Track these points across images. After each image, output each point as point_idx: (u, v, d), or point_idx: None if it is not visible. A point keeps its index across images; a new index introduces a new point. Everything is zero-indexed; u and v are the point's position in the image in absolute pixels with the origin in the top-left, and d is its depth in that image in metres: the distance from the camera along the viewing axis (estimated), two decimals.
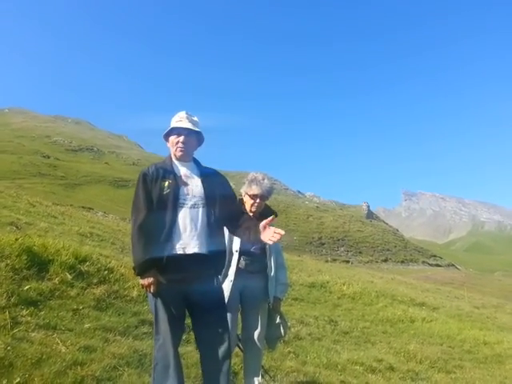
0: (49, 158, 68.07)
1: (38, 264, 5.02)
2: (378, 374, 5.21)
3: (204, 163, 3.17)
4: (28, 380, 2.96)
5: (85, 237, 10.32)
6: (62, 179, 55.70)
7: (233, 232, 3.16)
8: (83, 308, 4.64)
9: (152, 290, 2.78)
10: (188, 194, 2.90)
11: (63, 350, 3.55)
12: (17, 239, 5.31)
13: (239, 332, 3.74)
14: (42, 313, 4.18)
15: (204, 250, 2.83)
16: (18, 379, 2.93)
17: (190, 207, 2.87)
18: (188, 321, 3.06)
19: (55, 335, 3.81)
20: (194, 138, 3.05)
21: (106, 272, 5.79)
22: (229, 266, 3.50)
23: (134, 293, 5.57)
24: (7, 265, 4.65)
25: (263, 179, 3.67)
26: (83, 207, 27.86)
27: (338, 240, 63.81)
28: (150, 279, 2.75)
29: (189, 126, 2.99)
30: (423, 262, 65.11)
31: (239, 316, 3.73)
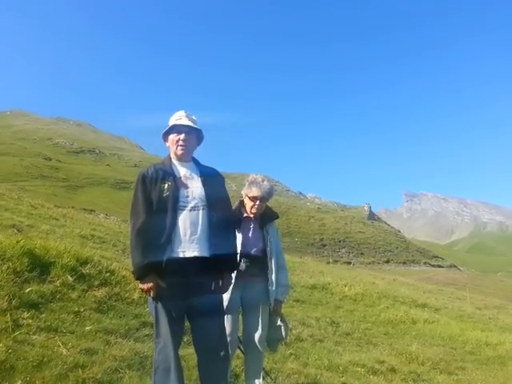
0: (50, 160, 68.10)
1: (40, 266, 5.04)
2: (379, 376, 5.20)
3: (205, 164, 3.14)
4: (29, 383, 2.97)
5: (86, 239, 10.32)
6: (64, 181, 55.72)
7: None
8: (84, 310, 4.65)
9: (152, 295, 2.76)
10: (188, 196, 2.87)
11: (64, 353, 3.55)
12: (18, 242, 5.32)
13: (240, 334, 3.74)
14: (44, 315, 4.19)
15: (204, 254, 2.81)
16: (20, 382, 2.94)
17: (190, 210, 2.84)
18: (187, 323, 3.06)
19: (56, 338, 3.82)
20: (194, 135, 3.03)
21: (108, 274, 5.80)
22: (236, 267, 3.49)
23: (135, 295, 5.58)
24: (9, 267, 4.66)
25: (263, 181, 3.67)
26: (85, 209, 27.87)
27: (340, 241, 63.70)
28: (150, 284, 2.73)
29: (189, 123, 2.97)
30: (425, 263, 64.95)
31: (240, 318, 3.73)
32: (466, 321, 12.61)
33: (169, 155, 3.06)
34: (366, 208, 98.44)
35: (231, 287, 3.45)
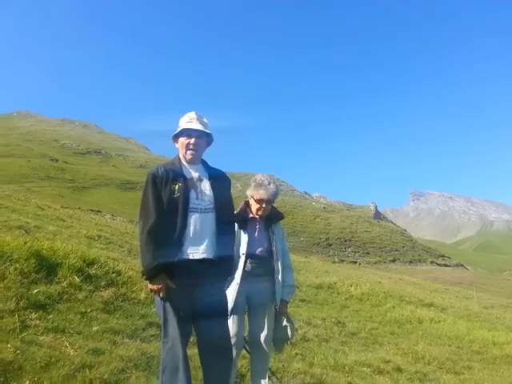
0: (57, 161, 68.42)
1: (47, 267, 5.07)
2: (385, 376, 5.20)
3: (210, 164, 3.13)
4: (37, 383, 2.99)
5: (93, 240, 10.37)
6: (71, 182, 55.95)
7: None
8: (91, 311, 4.68)
9: (162, 295, 2.77)
10: (198, 198, 2.88)
11: (72, 353, 3.58)
12: (25, 243, 5.36)
13: (246, 334, 3.75)
14: (51, 316, 4.22)
15: (213, 255, 2.83)
16: (28, 382, 2.96)
17: (200, 211, 2.85)
18: None
19: (64, 338, 3.84)
20: (204, 139, 3.02)
21: (114, 275, 5.83)
22: (235, 269, 3.50)
23: (142, 295, 5.61)
24: (16, 268, 4.69)
25: (269, 184, 3.66)
26: (91, 210, 27.96)
27: (346, 241, 63.51)
28: (160, 284, 2.74)
29: (199, 127, 2.95)
30: (431, 262, 64.64)
31: (246, 318, 3.74)
32: (473, 320, 12.56)
33: (178, 156, 3.05)
34: (372, 207, 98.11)
35: (237, 288, 3.47)
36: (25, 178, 50.17)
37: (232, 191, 3.23)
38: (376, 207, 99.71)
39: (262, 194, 3.61)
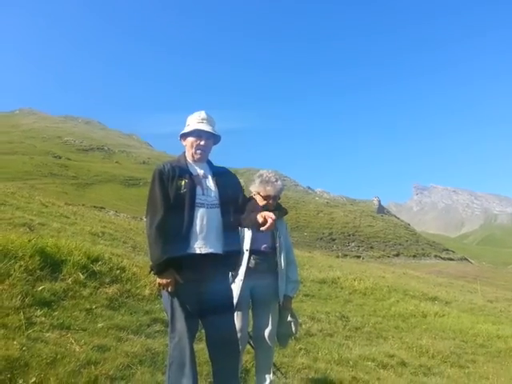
0: (60, 158, 68.61)
1: (51, 265, 5.08)
2: (389, 370, 5.21)
3: (213, 160, 3.17)
4: (43, 380, 3.01)
5: (97, 236, 10.41)
6: (74, 179, 56.14)
7: (239, 223, 3.07)
8: (96, 307, 4.69)
9: (170, 290, 2.80)
10: (204, 194, 2.91)
11: (77, 350, 3.60)
12: (30, 240, 5.38)
13: (250, 329, 3.76)
14: (56, 313, 4.24)
15: (220, 250, 2.86)
16: (34, 379, 2.98)
17: (206, 207, 2.89)
18: None
19: (69, 335, 3.86)
20: (212, 141, 3.07)
21: (119, 271, 5.85)
22: (239, 265, 3.52)
23: (146, 291, 5.62)
24: (21, 266, 4.71)
25: (276, 180, 3.69)
26: (95, 207, 28.07)
27: (349, 235, 63.59)
28: (169, 279, 2.78)
29: (210, 129, 2.98)
30: (435, 256, 64.64)
31: (250, 314, 3.75)
32: (477, 314, 12.57)
33: (184, 154, 3.08)
34: (376, 202, 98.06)
35: (241, 284, 3.48)
36: (28, 175, 50.35)
37: None
38: (379, 201, 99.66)
39: (269, 190, 3.62)
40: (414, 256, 62.07)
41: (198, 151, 3.00)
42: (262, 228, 2.75)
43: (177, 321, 2.82)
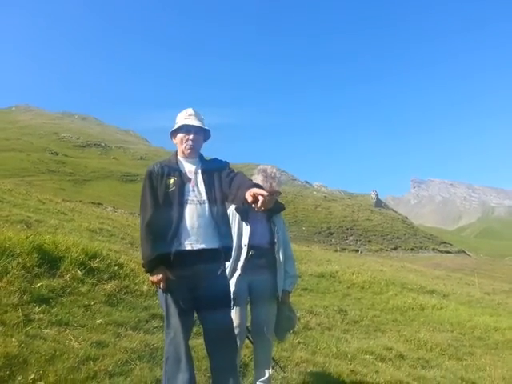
0: (57, 154, 68.42)
1: (49, 261, 5.08)
2: (388, 363, 5.24)
3: (211, 156, 3.19)
4: (42, 376, 3.02)
5: (94, 233, 10.39)
6: (71, 175, 56.02)
7: (226, 198, 2.96)
8: (94, 304, 4.70)
9: (162, 287, 2.83)
10: (194, 191, 2.94)
11: (76, 346, 3.61)
12: (27, 237, 5.37)
13: (248, 324, 3.77)
14: (54, 310, 4.25)
15: (211, 246, 2.87)
16: (33, 375, 2.99)
17: (196, 203, 2.91)
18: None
19: (68, 331, 3.87)
20: (201, 135, 3.10)
21: (116, 267, 5.85)
22: (238, 260, 3.53)
23: (144, 287, 5.63)
24: (18, 263, 4.71)
25: (280, 175, 3.73)
26: (92, 203, 28.02)
27: (347, 229, 63.61)
28: (160, 276, 2.80)
29: (198, 123, 3.03)
30: (433, 249, 64.73)
31: (248, 309, 3.76)
32: (475, 306, 12.63)
33: (175, 152, 3.14)
34: (373, 195, 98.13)
35: (240, 278, 3.49)
36: (25, 171, 50.22)
37: None
38: (377, 195, 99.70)
39: (274, 186, 3.64)
40: (412, 249, 62.17)
41: (188, 146, 3.04)
42: (255, 206, 2.54)
43: (171, 317, 2.85)
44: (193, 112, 3.08)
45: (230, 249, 3.14)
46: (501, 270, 45.65)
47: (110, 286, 5.24)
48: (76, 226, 10.65)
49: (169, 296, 2.86)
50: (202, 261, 2.83)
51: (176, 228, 2.83)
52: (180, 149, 3.09)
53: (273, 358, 3.96)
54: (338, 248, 50.88)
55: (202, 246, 2.84)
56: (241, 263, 3.52)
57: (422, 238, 70.42)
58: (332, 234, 61.03)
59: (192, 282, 2.86)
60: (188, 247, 2.82)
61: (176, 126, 3.08)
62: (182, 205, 2.87)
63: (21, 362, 3.12)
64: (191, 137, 3.03)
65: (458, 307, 11.17)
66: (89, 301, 4.71)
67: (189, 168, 3.03)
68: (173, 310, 2.85)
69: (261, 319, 3.65)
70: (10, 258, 4.72)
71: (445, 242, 74.65)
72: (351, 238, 61.37)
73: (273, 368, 3.89)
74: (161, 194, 2.89)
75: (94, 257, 5.75)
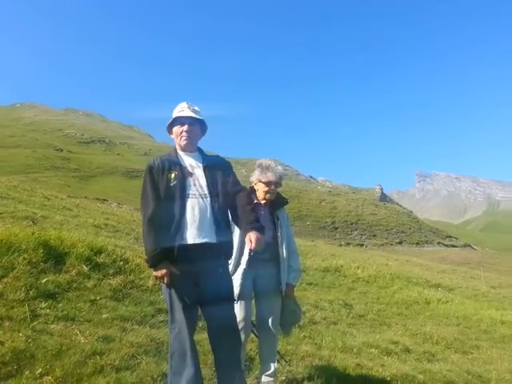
0: (62, 150, 68.62)
1: (55, 257, 5.11)
2: (393, 356, 5.23)
3: (215, 152, 3.18)
4: (49, 370, 3.04)
5: (100, 228, 10.43)
6: (76, 171, 56.20)
7: (236, 223, 3.04)
8: (100, 299, 4.72)
9: (165, 282, 2.82)
10: (195, 185, 2.93)
11: (82, 341, 3.62)
12: (33, 233, 5.40)
13: (254, 318, 3.78)
14: (61, 305, 4.26)
15: (213, 240, 2.86)
16: (40, 370, 3.01)
17: (197, 197, 2.90)
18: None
19: (74, 326, 3.89)
20: (197, 126, 3.09)
21: (122, 263, 5.87)
22: (241, 254, 3.53)
23: (150, 282, 5.64)
24: (24, 259, 4.73)
25: (276, 166, 3.75)
26: (97, 199, 28.10)
27: (352, 224, 63.51)
28: (163, 271, 2.80)
29: (191, 114, 3.02)
30: (438, 243, 64.55)
31: (253, 303, 3.76)
32: (481, 300, 12.61)
33: (174, 147, 3.14)
34: (378, 190, 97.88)
35: (244, 273, 3.49)
36: (30, 168, 50.43)
37: (238, 177, 3.23)
38: (382, 189, 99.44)
39: (271, 176, 3.65)
40: (417, 243, 62.01)
41: (183, 138, 3.03)
42: (250, 248, 2.76)
43: (176, 311, 2.85)
44: (186, 105, 3.07)
45: (231, 243, 3.14)
46: (507, 263, 45.47)
47: (115, 281, 5.26)
48: (81, 221, 10.69)
49: (173, 291, 2.85)
50: (204, 255, 2.83)
51: (178, 222, 2.82)
52: (177, 142, 3.09)
53: (278, 352, 3.96)
54: (343, 242, 50.85)
55: (205, 240, 2.84)
56: (245, 257, 3.53)
57: (427, 232, 70.21)
58: (336, 228, 60.96)
59: (195, 277, 2.86)
60: (191, 241, 2.81)
61: (170, 121, 3.09)
62: (183, 199, 2.87)
63: (28, 357, 3.14)
64: (185, 128, 3.02)
65: (463, 301, 11.15)
66: (95, 296, 4.73)
67: (189, 162, 3.03)
68: (177, 304, 2.84)
69: (266, 313, 3.66)
70: (16, 254, 4.75)
71: (450, 236, 74.40)
72: (356, 232, 61.27)
73: (278, 362, 3.90)
74: (162, 189, 2.88)
75: (99, 252, 5.77)
